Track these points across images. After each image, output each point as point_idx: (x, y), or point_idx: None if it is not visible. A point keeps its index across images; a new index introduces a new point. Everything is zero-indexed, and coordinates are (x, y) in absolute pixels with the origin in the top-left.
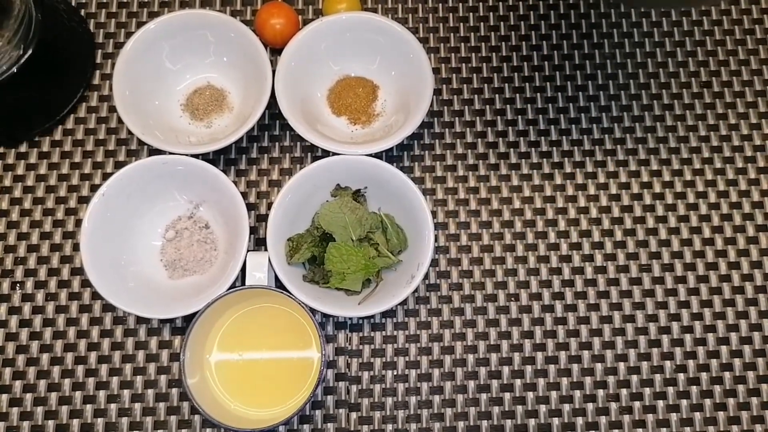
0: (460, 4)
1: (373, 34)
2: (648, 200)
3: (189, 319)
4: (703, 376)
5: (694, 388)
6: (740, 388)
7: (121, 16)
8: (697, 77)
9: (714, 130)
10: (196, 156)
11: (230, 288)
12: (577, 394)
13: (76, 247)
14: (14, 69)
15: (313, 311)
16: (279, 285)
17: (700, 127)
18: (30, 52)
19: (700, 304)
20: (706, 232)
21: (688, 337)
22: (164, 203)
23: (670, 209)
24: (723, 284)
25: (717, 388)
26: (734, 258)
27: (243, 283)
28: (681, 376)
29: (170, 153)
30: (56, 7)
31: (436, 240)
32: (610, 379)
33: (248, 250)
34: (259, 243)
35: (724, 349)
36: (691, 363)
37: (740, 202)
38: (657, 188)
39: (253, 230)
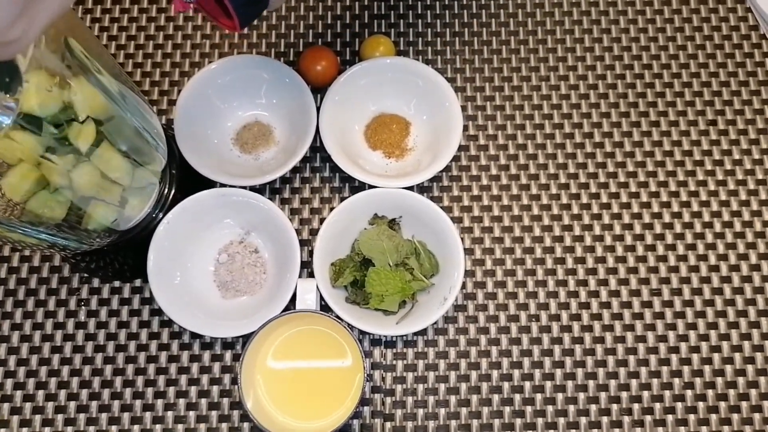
0: (485, 47)
1: (413, 77)
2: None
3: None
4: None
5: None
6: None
7: (174, 75)
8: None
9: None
10: (247, 187)
11: (283, 311)
12: (593, 408)
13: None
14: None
15: (352, 328)
16: (323, 306)
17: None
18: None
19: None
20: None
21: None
22: (219, 230)
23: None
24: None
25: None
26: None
27: (293, 305)
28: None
29: (222, 184)
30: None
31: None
32: (624, 394)
33: None
34: (302, 265)
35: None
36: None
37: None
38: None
39: None
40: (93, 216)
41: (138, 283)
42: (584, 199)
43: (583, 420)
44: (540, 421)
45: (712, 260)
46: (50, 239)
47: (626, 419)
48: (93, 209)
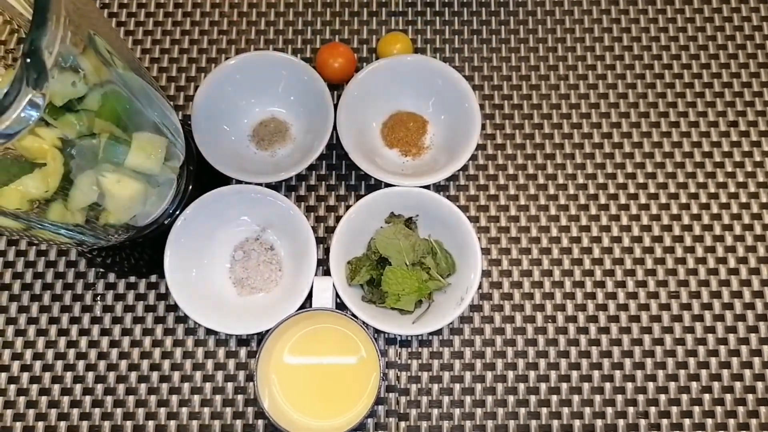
0: (503, 45)
1: (432, 76)
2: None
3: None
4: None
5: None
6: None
7: (190, 70)
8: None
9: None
10: (263, 184)
11: (298, 309)
12: (609, 410)
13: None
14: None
15: (368, 327)
16: (339, 304)
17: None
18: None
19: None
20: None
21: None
22: (235, 227)
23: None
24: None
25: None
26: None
27: (308, 303)
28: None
29: (238, 181)
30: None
31: None
32: (640, 397)
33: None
34: (317, 263)
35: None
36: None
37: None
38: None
39: None
40: (111, 211)
41: (154, 278)
42: (602, 200)
43: (599, 422)
44: (555, 423)
45: (732, 263)
46: (68, 234)
47: (642, 422)
48: (111, 204)
